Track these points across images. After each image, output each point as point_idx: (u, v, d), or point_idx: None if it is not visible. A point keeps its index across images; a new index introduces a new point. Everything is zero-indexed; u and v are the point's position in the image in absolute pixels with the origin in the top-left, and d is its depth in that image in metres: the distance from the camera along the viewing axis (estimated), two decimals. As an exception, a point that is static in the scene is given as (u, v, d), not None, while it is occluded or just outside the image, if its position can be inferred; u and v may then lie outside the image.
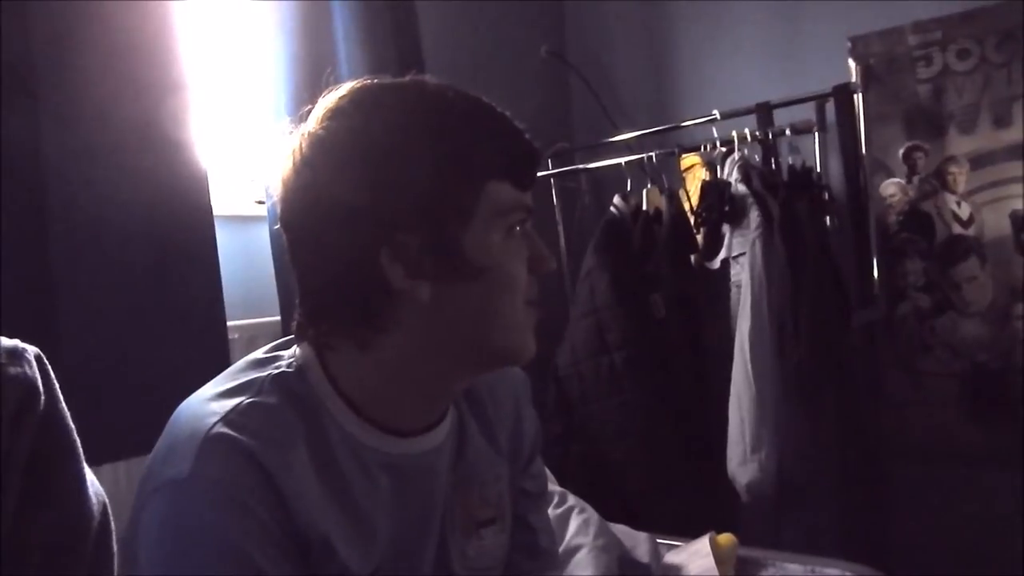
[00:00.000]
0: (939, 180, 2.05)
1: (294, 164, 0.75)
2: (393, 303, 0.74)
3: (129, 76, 1.44)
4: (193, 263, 1.53)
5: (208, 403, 0.74)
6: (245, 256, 1.78)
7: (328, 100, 0.77)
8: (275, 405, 0.74)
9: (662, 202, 2.09)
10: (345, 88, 0.77)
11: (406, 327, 0.75)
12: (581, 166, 2.35)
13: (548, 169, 2.35)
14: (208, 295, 1.55)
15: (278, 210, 0.78)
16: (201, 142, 1.54)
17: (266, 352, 0.82)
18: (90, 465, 0.81)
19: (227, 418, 0.71)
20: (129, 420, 1.22)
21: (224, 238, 1.62)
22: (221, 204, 1.66)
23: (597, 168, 2.31)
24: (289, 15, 1.74)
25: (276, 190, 0.77)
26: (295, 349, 0.80)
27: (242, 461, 0.69)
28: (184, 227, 1.51)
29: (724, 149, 2.07)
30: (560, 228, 2.42)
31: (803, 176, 2.02)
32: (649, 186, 2.12)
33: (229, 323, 1.60)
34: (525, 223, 0.79)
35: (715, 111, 2.12)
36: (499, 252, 0.76)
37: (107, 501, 0.82)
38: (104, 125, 1.40)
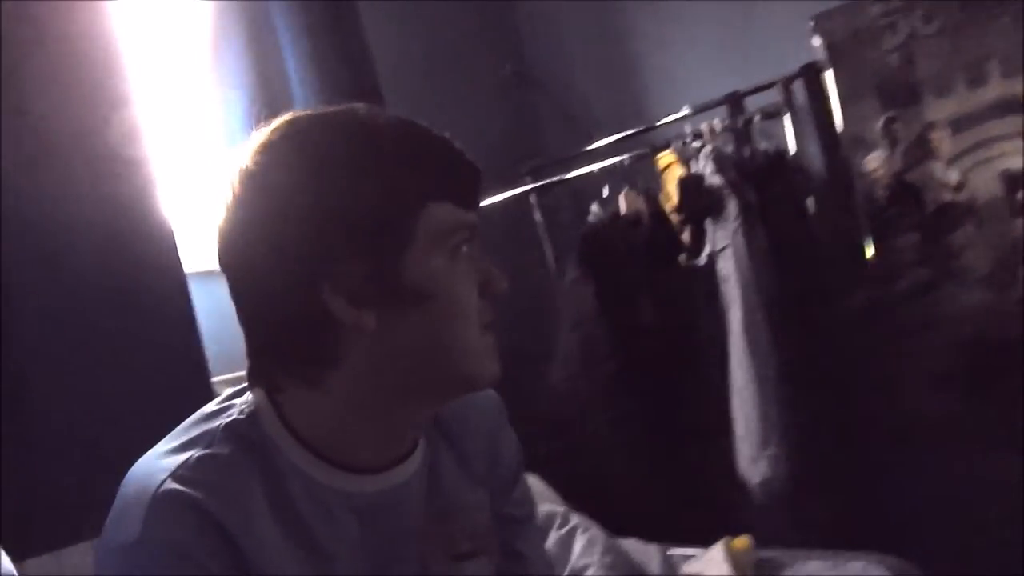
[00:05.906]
0: (922, 148, 2.01)
1: (227, 202, 0.73)
2: (340, 336, 0.72)
3: (88, 137, 1.43)
4: (169, 323, 1.52)
5: (157, 460, 0.72)
6: (224, 309, 1.76)
7: (259, 135, 0.75)
8: (228, 455, 0.72)
9: (640, 204, 2.06)
10: (276, 122, 0.75)
11: (356, 360, 0.73)
12: (557, 179, 2.32)
13: (525, 186, 2.33)
14: (188, 353, 1.54)
15: (216, 251, 0.75)
16: (165, 201, 1.53)
17: (219, 403, 0.80)
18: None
19: (176, 474, 0.69)
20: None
21: (200, 294, 1.60)
22: (193, 260, 1.65)
23: (574, 179, 2.28)
24: (240, 51, 1.74)
25: (213, 230, 0.75)
26: (248, 396, 0.78)
27: (194, 518, 0.67)
28: (155, 289, 1.50)
29: (696, 144, 2.05)
30: (546, 245, 2.40)
31: (776, 160, 1.99)
32: (626, 189, 2.10)
33: (214, 379, 1.58)
34: (471, 243, 0.76)
35: (685, 107, 2.10)
36: (444, 275, 0.73)
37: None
38: (64, 193, 1.39)
